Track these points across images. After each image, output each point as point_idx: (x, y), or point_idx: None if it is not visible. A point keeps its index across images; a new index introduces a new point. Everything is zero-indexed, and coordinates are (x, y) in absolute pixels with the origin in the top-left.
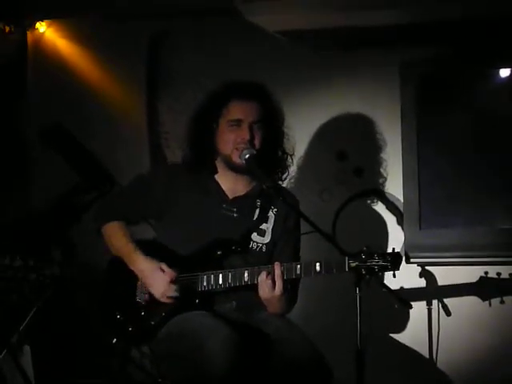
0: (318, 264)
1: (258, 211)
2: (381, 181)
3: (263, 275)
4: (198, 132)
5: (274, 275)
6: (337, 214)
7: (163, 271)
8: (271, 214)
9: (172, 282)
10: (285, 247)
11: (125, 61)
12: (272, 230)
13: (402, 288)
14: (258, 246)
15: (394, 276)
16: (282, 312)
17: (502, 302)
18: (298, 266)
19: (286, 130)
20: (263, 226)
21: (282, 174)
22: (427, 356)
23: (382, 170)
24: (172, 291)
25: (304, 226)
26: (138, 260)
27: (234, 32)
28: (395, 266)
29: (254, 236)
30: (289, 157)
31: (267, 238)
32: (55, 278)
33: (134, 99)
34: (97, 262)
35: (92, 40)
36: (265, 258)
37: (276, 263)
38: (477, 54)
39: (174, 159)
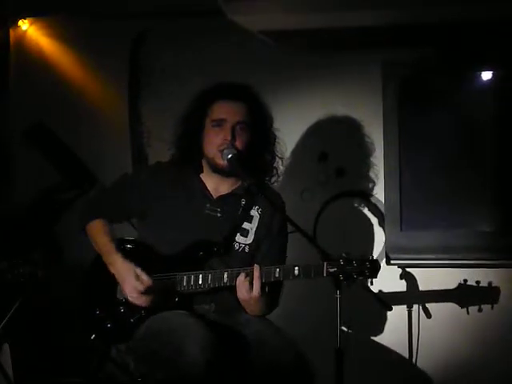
0: (296, 268)
1: (241, 210)
2: (363, 182)
3: (241, 276)
4: (184, 131)
5: (252, 277)
6: (318, 215)
7: (138, 278)
8: (255, 214)
9: (145, 291)
10: (269, 251)
11: (107, 60)
12: (256, 230)
13: (381, 290)
14: (240, 247)
15: (372, 283)
16: (260, 314)
17: (479, 310)
18: (277, 269)
19: (276, 133)
20: (247, 226)
21: (272, 177)
22: (407, 357)
23: (364, 172)
24: (142, 301)
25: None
26: (115, 261)
27: (218, 32)
28: (373, 274)
29: (237, 236)
30: (279, 160)
31: (250, 239)
32: (34, 277)
33: (117, 98)
34: (78, 259)
35: (75, 38)
36: (247, 259)
37: (255, 265)
38: (459, 56)
39: (156, 158)
